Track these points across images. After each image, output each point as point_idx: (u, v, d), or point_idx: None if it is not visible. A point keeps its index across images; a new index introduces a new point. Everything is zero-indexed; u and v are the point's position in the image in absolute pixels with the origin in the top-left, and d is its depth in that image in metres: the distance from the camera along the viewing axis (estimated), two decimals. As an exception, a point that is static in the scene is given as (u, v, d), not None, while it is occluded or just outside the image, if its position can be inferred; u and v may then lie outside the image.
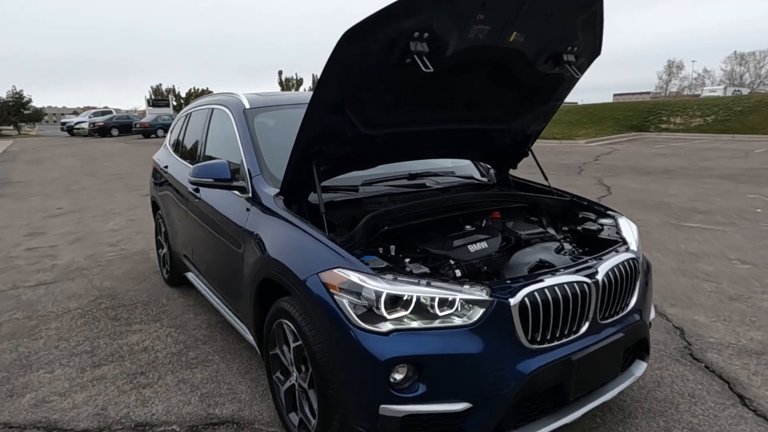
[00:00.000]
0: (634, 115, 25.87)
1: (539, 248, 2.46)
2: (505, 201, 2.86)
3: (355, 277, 1.90)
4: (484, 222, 2.72)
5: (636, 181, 10.22)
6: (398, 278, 1.89)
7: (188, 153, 4.02)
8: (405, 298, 1.85)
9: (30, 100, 46.25)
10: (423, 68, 1.94)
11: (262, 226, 2.51)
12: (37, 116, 50.73)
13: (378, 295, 1.84)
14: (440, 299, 1.85)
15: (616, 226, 2.66)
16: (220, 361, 3.20)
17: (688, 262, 4.97)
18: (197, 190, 3.36)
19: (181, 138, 4.33)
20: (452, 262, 2.26)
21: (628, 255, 2.29)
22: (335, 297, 1.92)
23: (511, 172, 3.32)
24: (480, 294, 1.86)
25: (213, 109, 3.65)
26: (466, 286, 1.89)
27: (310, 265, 2.07)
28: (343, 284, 1.92)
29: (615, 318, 2.17)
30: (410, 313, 1.85)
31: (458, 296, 1.85)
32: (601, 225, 2.70)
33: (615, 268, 2.17)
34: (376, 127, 2.38)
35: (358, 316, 1.87)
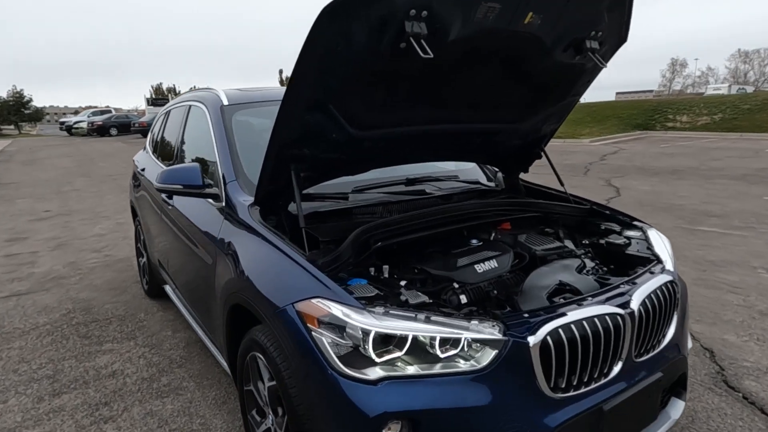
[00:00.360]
0: (639, 114, 25.47)
1: (558, 267, 2.10)
2: (516, 210, 2.50)
3: (337, 309, 1.55)
4: (493, 235, 2.37)
5: (645, 181, 9.86)
6: (390, 311, 1.54)
7: (165, 154, 3.68)
8: (399, 335, 1.50)
9: (30, 100, 46.04)
10: (421, 53, 1.59)
11: (235, 241, 2.16)
12: (38, 116, 50.53)
13: (365, 333, 1.49)
14: (442, 339, 1.50)
15: (646, 239, 2.31)
16: (195, 389, 2.85)
17: (709, 271, 4.60)
18: (170, 196, 3.02)
19: (158, 138, 3.99)
20: (456, 285, 1.91)
21: (666, 277, 1.94)
22: (313, 334, 1.57)
23: (522, 176, 2.97)
24: (491, 332, 1.51)
25: (190, 106, 3.30)
26: (474, 321, 1.53)
27: (284, 293, 1.72)
28: (323, 318, 1.57)
29: (651, 354, 1.81)
30: (405, 354, 1.51)
31: (464, 335, 1.50)
32: (628, 238, 2.34)
33: (652, 295, 1.81)
34: (367, 128, 2.03)
35: (341, 358, 1.52)
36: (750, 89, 45.81)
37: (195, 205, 2.66)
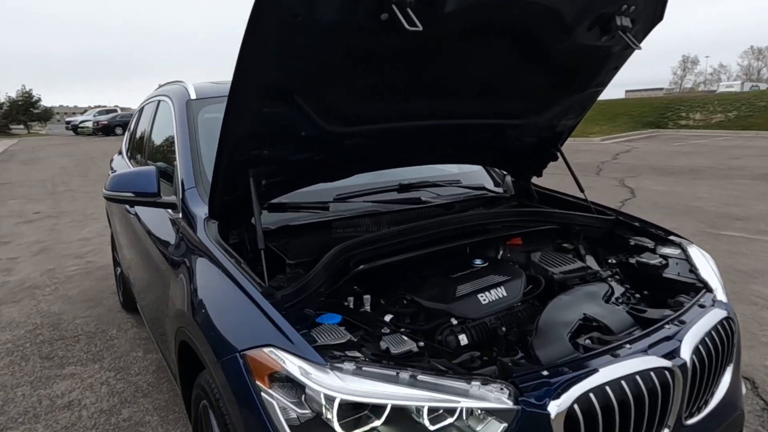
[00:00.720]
0: (650, 112, 24.89)
1: (581, 295, 1.71)
2: (528, 221, 2.11)
3: (294, 365, 1.17)
4: (501, 253, 1.98)
5: (660, 182, 9.40)
6: (364, 368, 1.16)
7: (134, 156, 3.31)
8: (374, 403, 1.12)
9: (39, 99, 46.09)
10: (407, 25, 1.20)
11: (187, 262, 1.78)
12: (47, 115, 50.60)
13: (329, 399, 1.10)
14: (432, 407, 1.11)
15: (687, 259, 1.90)
16: (159, 424, 2.49)
17: (740, 282, 4.17)
18: (132, 204, 2.65)
19: (129, 138, 3.63)
20: (455, 321, 1.53)
21: (720, 313, 1.54)
22: (263, 395, 1.19)
23: (534, 180, 2.57)
24: (499, 398, 1.13)
25: (159, 102, 2.93)
26: (476, 383, 1.15)
27: (232, 337, 1.34)
28: (276, 375, 1.19)
29: (704, 414, 1.42)
30: (383, 424, 1.12)
31: (462, 403, 1.11)
32: (664, 257, 1.94)
33: (706, 338, 1.41)
34: (346, 124, 1.65)
35: (296, 430, 1.14)
36: (763, 86, 44.92)
37: (155, 215, 2.29)
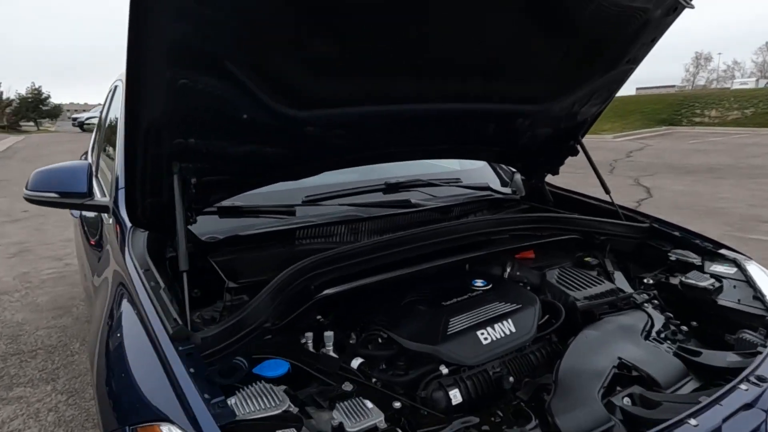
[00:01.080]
0: (664, 108, 24.25)
1: (613, 330, 1.31)
2: (542, 229, 1.71)
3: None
4: (508, 270, 1.58)
5: (678, 181, 8.93)
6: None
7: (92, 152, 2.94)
8: None
9: (48, 96, 46.22)
10: None
11: (102, 286, 1.40)
12: (56, 112, 50.74)
13: None
14: None
15: (747, 280, 1.49)
16: (104, 465, 2.10)
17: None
18: (77, 206, 2.27)
19: (95, 130, 3.26)
20: (445, 370, 1.13)
21: (811, 362, 1.12)
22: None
23: (549, 179, 2.17)
24: None
25: (116, 87, 2.56)
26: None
27: (123, 405, 0.95)
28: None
29: None
30: None
31: None
32: (717, 277, 1.52)
33: None
34: (305, 104, 1.25)
35: None
36: (779, 83, 43.92)
37: (92, 220, 1.91)
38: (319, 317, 1.31)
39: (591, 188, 2.18)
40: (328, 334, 1.19)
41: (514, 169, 2.29)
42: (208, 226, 1.53)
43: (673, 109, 24.01)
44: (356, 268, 1.32)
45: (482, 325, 1.23)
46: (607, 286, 1.51)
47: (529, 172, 2.13)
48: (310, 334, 1.22)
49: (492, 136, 1.78)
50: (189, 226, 1.41)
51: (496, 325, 1.24)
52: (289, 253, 1.49)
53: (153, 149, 1.15)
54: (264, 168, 1.38)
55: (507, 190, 2.20)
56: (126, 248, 1.36)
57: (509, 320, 1.26)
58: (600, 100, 1.81)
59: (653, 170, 10.27)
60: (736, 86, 43.78)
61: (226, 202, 1.57)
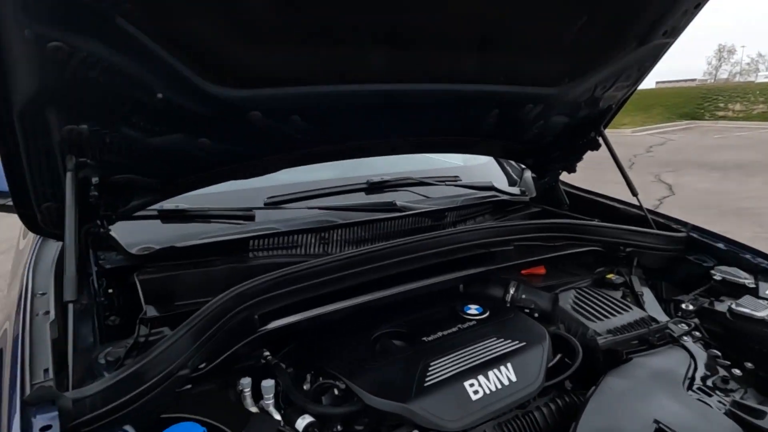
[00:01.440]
0: (685, 102, 23.49)
1: (647, 377, 1.01)
2: (555, 239, 1.40)
3: None
4: (511, 292, 1.27)
5: (703, 178, 8.47)
6: None
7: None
8: None
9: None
10: None
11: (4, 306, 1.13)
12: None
13: None
14: None
15: (818, 311, 1.16)
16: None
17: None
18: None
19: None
20: (420, 438, 0.84)
21: None
22: None
23: (564, 177, 1.85)
24: None
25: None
26: None
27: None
28: None
29: None
30: None
31: None
32: (778, 305, 1.20)
33: None
34: (247, 81, 0.97)
35: None
36: (807, 76, 42.50)
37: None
38: (266, 354, 1.02)
39: (607, 188, 1.86)
40: (267, 384, 0.91)
41: (523, 166, 1.97)
42: (145, 234, 1.26)
43: (696, 102, 23.24)
44: (316, 291, 1.03)
45: (472, 372, 0.94)
46: (636, 313, 1.20)
47: (541, 169, 1.81)
48: (247, 381, 0.94)
49: (494, 127, 1.47)
50: (113, 234, 1.14)
51: (491, 372, 0.94)
52: (240, 269, 1.20)
53: (37, 139, 0.87)
54: (198, 166, 1.10)
55: (515, 190, 1.89)
56: (27, 262, 1.09)
57: (509, 364, 0.97)
58: (628, 82, 1.48)
59: (675, 166, 9.81)
60: (760, 79, 42.58)
61: (168, 204, 1.30)
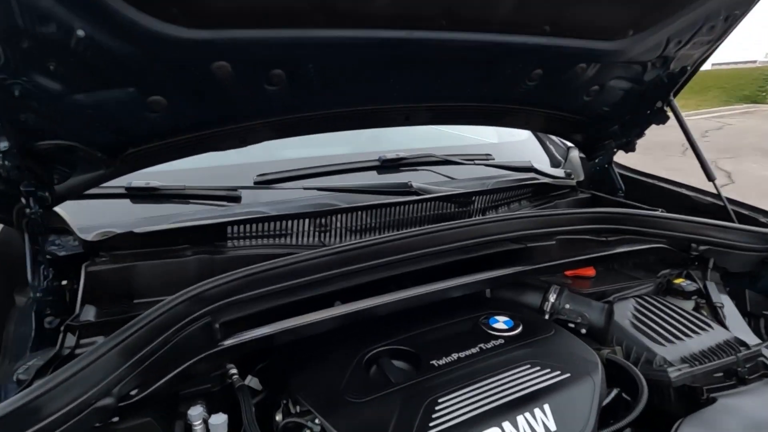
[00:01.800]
0: (747, 84, 21.96)
1: (737, 427, 0.72)
2: (609, 232, 1.12)
3: None
4: (551, 298, 1.01)
5: (766, 165, 7.81)
6: None
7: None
8: None
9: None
10: None
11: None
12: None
13: None
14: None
15: None
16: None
17: None
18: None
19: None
20: None
21: None
22: None
23: (619, 157, 1.54)
24: None
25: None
26: None
27: None
28: None
29: None
30: None
31: None
32: None
33: None
34: (207, 18, 0.73)
35: None
36: None
37: None
38: (232, 372, 0.81)
39: (670, 172, 1.56)
40: (217, 421, 0.68)
41: (569, 144, 1.67)
42: (108, 217, 1.07)
43: (757, 85, 21.70)
44: (300, 294, 0.80)
45: (496, 415, 0.69)
46: (718, 334, 0.92)
47: (593, 147, 1.50)
48: (198, 412, 0.72)
49: (534, 92, 1.17)
50: (63, 216, 0.95)
51: (520, 417, 0.69)
52: (212, 262, 0.99)
53: None
54: (153, 132, 0.87)
55: (558, 172, 1.59)
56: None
57: (546, 405, 0.71)
58: (711, 36, 1.17)
59: (734, 152, 9.08)
60: (832, 61, 39.43)
61: (137, 182, 1.10)
